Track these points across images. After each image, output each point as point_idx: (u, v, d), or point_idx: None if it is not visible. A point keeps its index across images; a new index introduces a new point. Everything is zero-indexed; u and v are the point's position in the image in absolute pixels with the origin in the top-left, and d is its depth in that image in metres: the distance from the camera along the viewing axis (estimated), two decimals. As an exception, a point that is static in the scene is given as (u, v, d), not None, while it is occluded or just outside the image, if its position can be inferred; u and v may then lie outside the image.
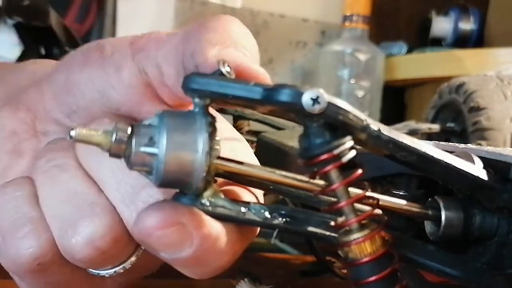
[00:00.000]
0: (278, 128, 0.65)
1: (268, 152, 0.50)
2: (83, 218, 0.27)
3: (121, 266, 0.29)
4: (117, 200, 0.27)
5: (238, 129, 0.68)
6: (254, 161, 0.32)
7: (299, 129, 0.25)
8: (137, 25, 1.35)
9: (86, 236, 0.26)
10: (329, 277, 0.55)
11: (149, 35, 0.30)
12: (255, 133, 0.64)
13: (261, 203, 0.27)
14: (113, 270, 0.29)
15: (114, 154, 0.24)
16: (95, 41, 0.32)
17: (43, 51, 0.94)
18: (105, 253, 0.27)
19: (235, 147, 0.32)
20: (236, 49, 0.27)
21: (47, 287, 0.30)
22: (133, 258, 0.29)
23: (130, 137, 0.24)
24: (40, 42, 0.94)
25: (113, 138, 0.24)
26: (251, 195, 0.30)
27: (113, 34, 1.34)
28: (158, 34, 0.30)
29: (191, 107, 0.25)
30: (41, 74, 0.34)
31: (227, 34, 0.27)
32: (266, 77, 0.27)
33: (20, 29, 0.96)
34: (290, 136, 0.49)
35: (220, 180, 0.28)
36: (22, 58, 0.90)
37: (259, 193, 0.30)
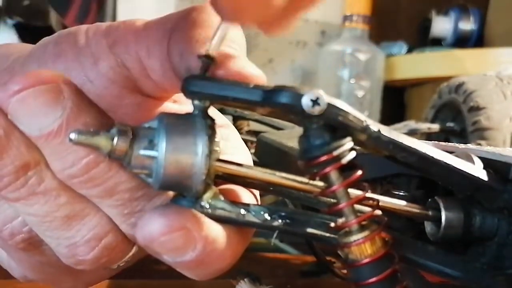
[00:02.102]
0: (278, 128, 0.65)
1: (268, 152, 0.50)
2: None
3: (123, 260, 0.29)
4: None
5: (238, 129, 0.68)
6: (244, 146, 0.32)
7: (298, 129, 0.25)
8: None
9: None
10: (329, 277, 0.55)
11: (124, 25, 0.29)
12: (255, 133, 0.64)
13: (261, 205, 0.27)
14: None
15: (114, 157, 0.24)
16: (67, 29, 0.30)
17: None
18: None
19: (227, 135, 0.32)
20: (225, 44, 0.26)
21: (36, 266, 0.29)
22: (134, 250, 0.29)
23: (130, 139, 0.24)
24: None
25: (114, 141, 0.24)
26: (251, 195, 0.30)
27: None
28: (134, 25, 0.29)
29: (176, 98, 0.25)
30: (15, 58, 0.31)
31: (213, 28, 0.26)
32: (259, 76, 0.26)
33: (20, 29, 0.96)
34: (289, 136, 0.49)
35: None
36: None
37: (256, 192, 0.30)
